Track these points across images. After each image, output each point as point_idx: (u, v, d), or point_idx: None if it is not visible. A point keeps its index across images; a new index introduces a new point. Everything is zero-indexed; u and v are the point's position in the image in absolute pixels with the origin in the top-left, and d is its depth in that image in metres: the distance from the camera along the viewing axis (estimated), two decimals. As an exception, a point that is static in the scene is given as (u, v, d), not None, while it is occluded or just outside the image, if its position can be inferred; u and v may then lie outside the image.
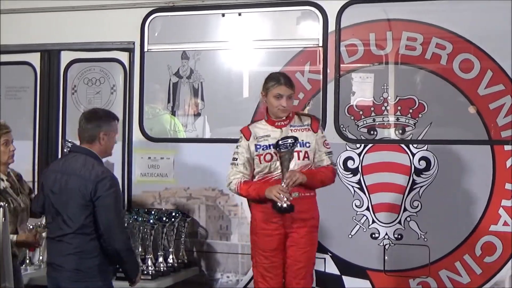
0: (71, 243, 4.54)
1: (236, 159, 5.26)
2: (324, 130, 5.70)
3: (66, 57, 6.76)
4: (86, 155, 4.68)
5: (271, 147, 5.14)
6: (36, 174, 6.68)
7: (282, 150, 4.94)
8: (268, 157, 5.15)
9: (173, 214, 6.00)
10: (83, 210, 4.54)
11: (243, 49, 6.42)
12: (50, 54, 6.77)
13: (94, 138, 4.73)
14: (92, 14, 6.67)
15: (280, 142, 4.97)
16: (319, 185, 5.17)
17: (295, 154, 5.10)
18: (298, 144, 5.08)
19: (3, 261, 4.29)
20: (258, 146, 5.20)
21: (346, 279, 5.94)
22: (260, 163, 5.18)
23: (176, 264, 5.91)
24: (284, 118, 5.21)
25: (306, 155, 5.17)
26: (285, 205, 4.92)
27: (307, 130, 5.23)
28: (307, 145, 5.18)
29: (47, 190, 4.69)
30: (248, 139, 5.25)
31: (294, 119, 5.25)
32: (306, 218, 5.12)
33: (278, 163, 5.08)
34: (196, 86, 6.52)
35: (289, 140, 4.98)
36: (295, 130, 5.20)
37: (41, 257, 5.83)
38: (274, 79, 5.25)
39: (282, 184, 4.96)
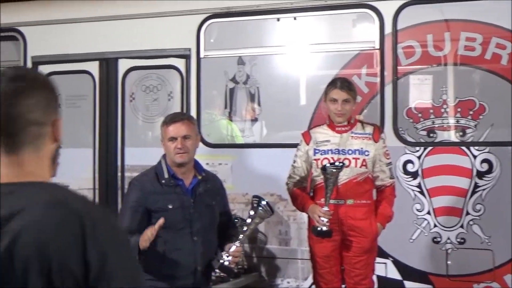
0: None
1: (295, 162, 5.29)
2: (383, 133, 5.63)
3: (123, 65, 6.81)
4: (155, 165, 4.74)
5: (329, 152, 5.11)
6: (96, 182, 6.73)
7: (327, 172, 4.92)
8: (325, 162, 5.11)
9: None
10: None
11: (299, 54, 6.39)
12: (108, 62, 6.83)
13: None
14: (148, 22, 6.71)
15: (327, 165, 4.97)
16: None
17: (353, 161, 5.08)
18: (357, 152, 5.08)
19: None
20: (317, 151, 5.18)
21: (408, 284, 5.86)
22: (318, 167, 5.14)
23: (236, 270, 5.88)
24: (345, 123, 5.17)
25: (364, 163, 5.13)
26: (324, 228, 4.92)
27: (368, 138, 5.19)
28: (366, 153, 5.13)
29: None
30: (308, 144, 5.25)
31: (357, 126, 5.21)
32: (362, 227, 5.07)
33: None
34: (252, 91, 6.51)
35: (337, 163, 4.95)
36: (355, 137, 5.17)
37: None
38: (331, 83, 5.25)
39: (325, 207, 4.94)
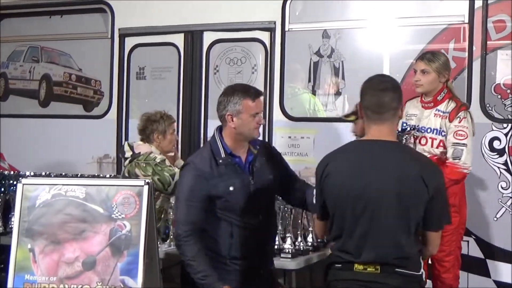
0: None
1: None
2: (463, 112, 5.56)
3: (208, 37, 6.98)
4: (208, 143, 4.56)
5: (410, 128, 5.17)
6: (179, 152, 6.94)
7: (399, 133, 4.95)
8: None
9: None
10: None
11: (384, 27, 6.41)
12: (193, 35, 7.01)
13: (224, 120, 4.48)
14: (233, -5, 6.85)
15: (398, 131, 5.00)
16: None
17: (430, 140, 5.16)
18: (435, 131, 5.18)
19: (150, 237, 4.41)
20: (404, 124, 5.22)
21: (490, 263, 5.85)
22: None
23: (315, 244, 5.97)
24: (430, 98, 5.24)
25: (441, 144, 5.15)
26: None
27: (445, 117, 5.21)
28: (443, 133, 5.17)
29: None
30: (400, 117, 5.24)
31: (443, 104, 5.24)
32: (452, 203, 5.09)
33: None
34: (337, 65, 6.58)
35: (409, 128, 5.02)
36: (437, 115, 5.23)
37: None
38: (420, 56, 5.37)
39: None
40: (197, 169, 4.37)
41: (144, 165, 5.50)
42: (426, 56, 5.26)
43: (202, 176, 4.35)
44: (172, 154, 5.91)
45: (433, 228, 3.73)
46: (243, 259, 4.48)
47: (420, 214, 3.62)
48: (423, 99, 5.30)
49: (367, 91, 3.79)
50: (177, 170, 5.43)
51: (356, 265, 3.66)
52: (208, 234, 4.43)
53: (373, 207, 3.61)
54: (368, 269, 3.64)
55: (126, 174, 5.61)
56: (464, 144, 5.12)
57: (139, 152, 5.59)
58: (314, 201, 3.91)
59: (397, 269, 3.63)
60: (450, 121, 5.19)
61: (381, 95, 3.71)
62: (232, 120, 4.41)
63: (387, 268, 3.63)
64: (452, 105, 5.27)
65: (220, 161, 4.39)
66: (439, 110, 5.23)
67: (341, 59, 6.55)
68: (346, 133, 6.31)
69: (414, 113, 5.28)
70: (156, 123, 5.62)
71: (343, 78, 6.56)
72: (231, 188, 4.39)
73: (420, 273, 3.70)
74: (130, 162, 5.62)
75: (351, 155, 3.77)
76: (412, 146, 5.09)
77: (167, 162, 5.62)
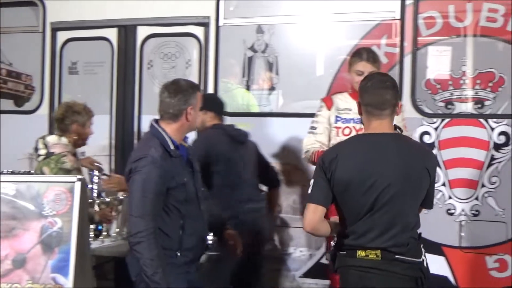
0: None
1: (315, 128, 5.42)
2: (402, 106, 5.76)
3: (142, 32, 6.97)
4: (154, 137, 4.42)
5: (351, 121, 5.24)
6: (113, 148, 6.92)
7: None
8: (347, 131, 5.27)
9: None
10: None
11: (318, 23, 6.48)
12: (126, 30, 7.00)
13: (180, 114, 4.44)
14: (168, -11, 6.85)
15: None
16: None
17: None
18: None
19: (82, 233, 4.40)
20: (338, 118, 5.32)
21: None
22: (338, 135, 5.28)
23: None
24: None
25: None
26: None
27: None
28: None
29: None
30: (329, 109, 5.39)
31: None
32: None
33: None
34: (271, 60, 6.64)
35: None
36: None
37: (117, 230, 6.03)
38: (357, 54, 5.39)
39: None
40: (156, 162, 4.29)
41: (53, 166, 5.34)
42: (370, 56, 5.32)
43: (162, 169, 4.29)
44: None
45: (429, 207, 4.09)
46: (192, 249, 4.48)
47: (423, 198, 3.93)
48: (356, 94, 5.29)
49: (369, 89, 3.97)
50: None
51: (358, 252, 3.84)
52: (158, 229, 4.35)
53: (385, 193, 3.80)
54: (370, 255, 3.81)
55: (38, 172, 5.44)
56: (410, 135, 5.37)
57: (53, 152, 5.42)
58: (310, 191, 3.95)
59: (397, 256, 3.79)
60: (398, 114, 5.28)
61: (383, 92, 3.93)
62: (191, 114, 4.44)
63: (387, 254, 3.79)
64: None
65: (172, 153, 4.39)
66: None
67: (275, 54, 6.61)
68: (280, 128, 6.40)
69: (347, 107, 5.34)
70: (78, 114, 5.48)
71: (277, 73, 6.62)
72: (185, 179, 4.41)
73: (421, 259, 3.88)
74: (44, 159, 5.45)
75: (360, 146, 3.95)
76: None
77: (74, 172, 5.31)
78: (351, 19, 6.39)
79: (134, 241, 4.21)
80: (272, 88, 6.65)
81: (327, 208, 3.92)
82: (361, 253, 3.84)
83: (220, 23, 6.65)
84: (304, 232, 6.09)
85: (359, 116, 5.11)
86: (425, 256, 3.93)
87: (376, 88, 3.95)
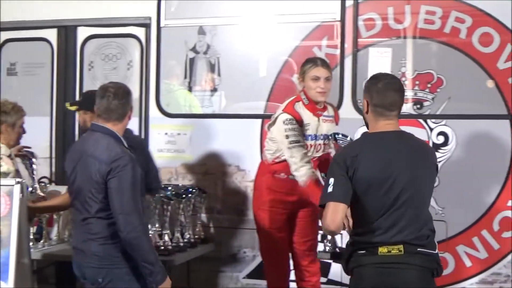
0: (91, 227, 4.43)
1: (299, 141, 5.17)
2: (341, 105, 5.90)
3: (82, 33, 6.91)
4: (108, 135, 4.47)
5: (309, 138, 5.26)
6: (53, 150, 6.85)
7: (342, 146, 5.04)
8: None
9: (190, 189, 6.12)
10: (99, 193, 4.38)
11: (260, 24, 6.52)
12: (67, 30, 6.93)
13: (122, 116, 4.54)
14: (108, -11, 6.81)
15: (339, 136, 5.07)
16: None
17: (322, 146, 5.38)
18: (325, 137, 5.35)
19: (22, 237, 4.37)
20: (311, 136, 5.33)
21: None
22: None
23: (193, 240, 6.05)
24: (322, 105, 5.35)
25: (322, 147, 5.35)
26: None
27: (331, 121, 5.44)
28: (330, 137, 5.33)
29: (68, 171, 4.58)
30: (300, 125, 5.23)
31: (326, 110, 5.42)
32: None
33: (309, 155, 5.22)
34: (212, 61, 6.65)
35: (348, 138, 5.10)
36: (325, 121, 5.38)
37: (58, 233, 5.96)
38: (310, 61, 5.38)
39: None
40: (134, 160, 4.43)
41: None
42: (323, 62, 5.37)
43: (138, 165, 4.45)
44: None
45: None
46: None
47: (431, 193, 4.12)
48: (313, 105, 5.31)
49: (380, 90, 4.04)
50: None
51: (380, 249, 3.91)
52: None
53: (405, 190, 3.93)
54: (392, 251, 3.90)
55: None
56: None
57: None
58: (331, 190, 3.95)
59: (419, 249, 3.92)
60: (337, 123, 5.45)
61: (394, 94, 4.05)
62: (130, 115, 4.63)
63: (410, 248, 3.91)
64: (329, 107, 5.48)
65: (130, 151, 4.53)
66: (325, 116, 5.40)
67: (217, 55, 6.63)
68: (222, 129, 6.42)
69: (307, 122, 5.27)
70: (6, 114, 5.37)
71: (219, 74, 6.63)
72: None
73: (437, 252, 4.04)
74: None
75: (378, 145, 4.04)
76: None
77: (11, 175, 5.25)
78: (292, 21, 6.44)
79: (133, 236, 4.32)
80: (214, 90, 6.66)
81: (348, 205, 3.96)
82: (383, 250, 3.92)
83: (162, 24, 6.64)
84: (248, 233, 6.25)
85: (315, 133, 5.23)
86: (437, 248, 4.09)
87: (387, 90, 4.03)
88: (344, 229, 4.08)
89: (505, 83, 5.83)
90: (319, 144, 5.33)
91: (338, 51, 6.21)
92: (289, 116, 5.18)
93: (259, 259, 6.26)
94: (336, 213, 3.91)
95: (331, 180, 3.97)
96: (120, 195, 4.35)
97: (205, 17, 6.63)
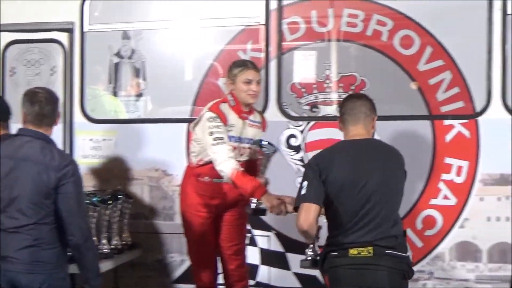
0: (29, 234, 4.35)
1: (223, 138, 5.13)
2: (267, 108, 5.96)
3: (4, 38, 6.80)
4: (43, 140, 4.45)
5: (232, 139, 5.26)
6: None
7: (266, 153, 5.18)
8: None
9: (116, 195, 6.08)
10: (43, 199, 4.35)
11: (185, 28, 6.53)
12: (-13, 36, 6.81)
13: (54, 122, 4.58)
14: (30, -6, 6.72)
15: (264, 143, 5.19)
16: None
17: (248, 150, 5.38)
18: (251, 141, 5.37)
19: None
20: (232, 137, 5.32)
21: (290, 256, 6.12)
22: None
23: (120, 246, 6.01)
24: (248, 109, 5.35)
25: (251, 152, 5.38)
26: (261, 207, 5.13)
27: (258, 127, 5.46)
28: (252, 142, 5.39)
29: None
30: (225, 125, 5.21)
31: (252, 114, 5.43)
32: (242, 199, 5.31)
33: None
34: (138, 66, 6.63)
35: (273, 147, 5.20)
36: (251, 125, 5.39)
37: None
38: (240, 64, 5.36)
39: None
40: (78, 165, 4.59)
41: None
42: (253, 64, 5.38)
43: None
44: None
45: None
46: None
47: (401, 197, 4.38)
48: (239, 107, 5.31)
49: (346, 102, 4.57)
50: None
51: (351, 251, 4.18)
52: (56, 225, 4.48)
53: (375, 196, 4.21)
54: (362, 253, 4.16)
55: None
56: None
57: None
58: (304, 192, 4.29)
59: (387, 251, 4.15)
60: (264, 130, 5.49)
61: (355, 101, 4.54)
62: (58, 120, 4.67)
63: (379, 249, 4.14)
64: (257, 114, 5.50)
65: None
66: (251, 121, 5.41)
67: (142, 60, 6.61)
68: (149, 134, 6.40)
69: (232, 123, 5.27)
70: None
71: (144, 79, 6.61)
72: None
73: (408, 255, 4.25)
74: None
75: (350, 150, 4.38)
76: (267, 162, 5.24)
77: None
78: (217, 25, 6.45)
79: (85, 240, 4.50)
80: (140, 94, 6.64)
81: (321, 207, 4.26)
82: (353, 252, 4.17)
83: (85, 29, 6.59)
84: (175, 238, 6.24)
85: (239, 135, 5.25)
86: (410, 251, 4.29)
87: (353, 101, 4.54)
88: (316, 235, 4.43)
89: (426, 84, 5.96)
90: (244, 148, 5.33)
91: (263, 55, 6.25)
92: (213, 114, 5.17)
93: (187, 264, 6.26)
94: (309, 213, 4.22)
95: (305, 183, 4.30)
96: (75, 200, 4.43)
97: (130, 22, 6.61)
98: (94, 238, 5.61)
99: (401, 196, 4.36)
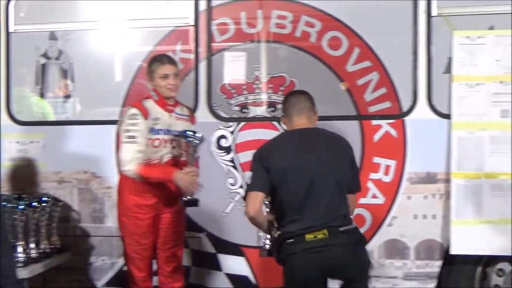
0: None
1: (135, 137, 5.18)
2: (197, 109, 5.97)
3: None
4: None
5: (161, 132, 5.25)
6: None
7: (193, 143, 5.22)
8: (156, 142, 5.29)
9: (44, 199, 5.99)
10: None
11: (113, 29, 6.48)
12: None
13: None
14: (-49, -7, 6.57)
15: (188, 133, 5.23)
16: None
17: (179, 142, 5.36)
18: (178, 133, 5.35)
19: None
20: (151, 129, 5.29)
21: (222, 257, 6.14)
22: (147, 146, 5.26)
23: (48, 250, 5.94)
24: (172, 102, 5.38)
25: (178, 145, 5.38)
26: (192, 198, 5.25)
27: (187, 120, 5.45)
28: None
29: None
30: (146, 119, 5.24)
31: (178, 107, 5.46)
32: (177, 200, 5.31)
33: (164, 151, 5.31)
34: (65, 67, 6.55)
35: (198, 135, 5.22)
36: (178, 118, 5.41)
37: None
38: (156, 60, 5.41)
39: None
40: None
41: None
42: (170, 59, 5.42)
43: None
44: None
45: (356, 190, 4.74)
46: None
47: (348, 180, 4.57)
48: (163, 101, 5.34)
49: (287, 98, 4.87)
50: None
51: (307, 236, 4.36)
52: None
53: (320, 179, 4.44)
54: (318, 236, 4.36)
55: None
56: None
57: None
58: (250, 182, 4.55)
59: (340, 229, 4.39)
60: (193, 123, 5.48)
61: (299, 95, 4.86)
62: None
63: (333, 230, 4.37)
64: (184, 108, 5.52)
65: None
66: (177, 114, 5.42)
67: (70, 61, 6.53)
68: (78, 136, 6.33)
69: (157, 116, 5.30)
70: None
71: (72, 80, 6.54)
72: None
73: (354, 225, 4.54)
74: None
75: (292, 138, 4.65)
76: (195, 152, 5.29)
77: None
78: (146, 25, 6.43)
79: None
80: (68, 96, 6.56)
81: (267, 194, 4.51)
82: (309, 236, 4.36)
83: (10, 30, 6.46)
84: (105, 241, 6.19)
85: (167, 127, 5.26)
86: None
87: (297, 96, 4.85)
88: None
89: (354, 85, 6.05)
90: (175, 140, 5.35)
91: (192, 56, 6.25)
92: (134, 111, 5.23)
93: (117, 267, 6.23)
94: (255, 201, 4.48)
95: (250, 174, 4.56)
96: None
97: (57, 23, 6.52)
98: (21, 242, 5.57)
99: (348, 177, 4.57)
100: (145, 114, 5.23)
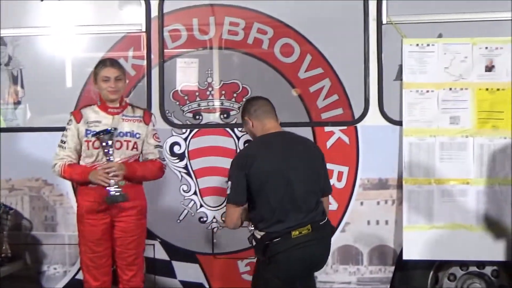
0: None
1: (64, 142, 5.35)
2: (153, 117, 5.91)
3: None
4: None
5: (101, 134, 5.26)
6: None
7: (102, 139, 5.16)
8: (97, 143, 5.26)
9: (-5, 207, 5.94)
10: None
11: (64, 35, 6.43)
12: None
13: None
14: None
15: (98, 131, 5.23)
16: (140, 179, 5.42)
17: (125, 143, 5.31)
18: (129, 134, 5.33)
19: None
20: (88, 131, 5.30)
21: (176, 264, 6.14)
22: (88, 149, 5.29)
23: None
24: (117, 104, 5.38)
25: (135, 146, 5.37)
26: (117, 193, 5.12)
27: (139, 121, 5.45)
28: (137, 135, 5.39)
29: None
30: (78, 122, 5.34)
31: (128, 109, 5.43)
32: (134, 206, 5.31)
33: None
34: (15, 73, 6.47)
35: (109, 128, 5.19)
36: (127, 120, 5.39)
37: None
38: (100, 63, 5.43)
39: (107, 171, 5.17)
40: None
41: None
42: (113, 61, 5.41)
43: None
44: None
45: (328, 191, 4.96)
46: None
47: (322, 181, 4.82)
48: (105, 105, 5.36)
49: (253, 102, 4.99)
50: None
51: (293, 233, 4.58)
52: None
53: (299, 181, 4.65)
54: (303, 231, 4.59)
55: None
56: (161, 145, 5.62)
57: None
58: (229, 192, 4.69)
59: (320, 223, 4.69)
60: (147, 124, 5.45)
61: (263, 99, 5.02)
62: None
63: (315, 225, 4.64)
64: (138, 110, 5.50)
65: None
66: (126, 115, 5.41)
67: (20, 67, 6.46)
68: (27, 143, 6.26)
69: (97, 120, 5.33)
70: None
71: (22, 86, 6.46)
72: None
73: (327, 218, 4.81)
74: None
75: (270, 144, 4.76)
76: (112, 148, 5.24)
77: None
78: (98, 31, 6.40)
79: None
80: (18, 102, 6.49)
81: (244, 204, 4.70)
82: (295, 233, 4.58)
83: (-42, 35, 6.38)
84: (57, 249, 6.14)
85: (108, 129, 5.24)
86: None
87: (261, 99, 5.02)
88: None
89: (307, 91, 6.11)
90: (126, 141, 5.35)
91: (144, 62, 6.24)
92: (69, 117, 5.44)
93: (70, 275, 6.19)
94: (233, 215, 4.69)
95: (229, 183, 4.68)
96: None
97: (6, 28, 6.43)
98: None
99: (321, 178, 4.80)
100: (78, 118, 5.36)
